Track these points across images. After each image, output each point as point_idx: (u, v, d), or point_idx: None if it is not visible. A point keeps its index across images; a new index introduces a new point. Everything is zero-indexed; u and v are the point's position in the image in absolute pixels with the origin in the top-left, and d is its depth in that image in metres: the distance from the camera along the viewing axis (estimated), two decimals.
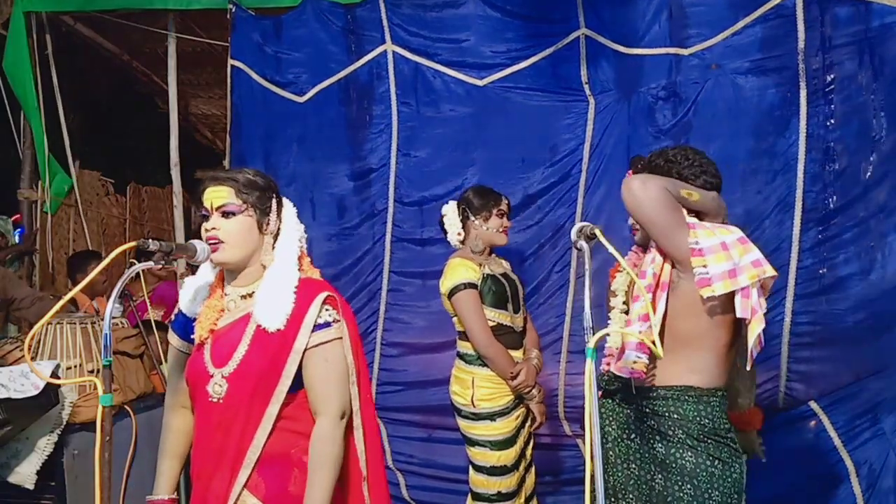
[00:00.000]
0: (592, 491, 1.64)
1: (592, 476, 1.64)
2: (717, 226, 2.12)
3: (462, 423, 3.00)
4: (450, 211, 3.13)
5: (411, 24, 3.76)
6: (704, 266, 1.99)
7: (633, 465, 2.13)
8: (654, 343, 1.84)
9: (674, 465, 2.02)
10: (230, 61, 4.02)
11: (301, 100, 3.91)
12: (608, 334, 2.73)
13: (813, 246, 3.21)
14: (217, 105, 6.55)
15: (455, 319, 3.03)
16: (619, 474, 2.15)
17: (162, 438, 2.02)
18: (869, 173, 3.13)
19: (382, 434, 3.64)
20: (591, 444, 1.63)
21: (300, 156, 3.90)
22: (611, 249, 1.83)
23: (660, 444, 2.05)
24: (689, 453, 2.00)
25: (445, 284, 2.98)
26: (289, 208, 1.95)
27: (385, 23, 3.78)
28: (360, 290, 3.78)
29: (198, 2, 4.16)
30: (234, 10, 3.99)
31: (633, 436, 2.15)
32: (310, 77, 3.91)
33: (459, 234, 3.09)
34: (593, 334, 1.76)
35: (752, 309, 1.99)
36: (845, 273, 3.16)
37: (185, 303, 1.99)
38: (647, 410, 2.10)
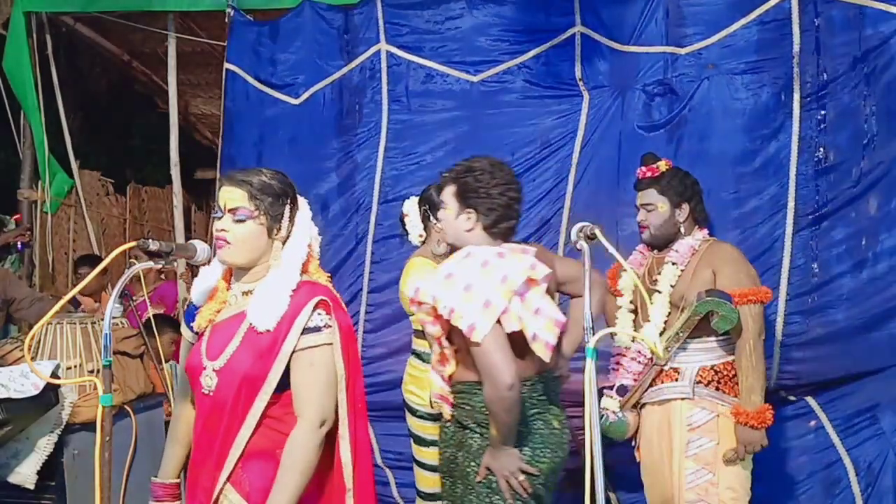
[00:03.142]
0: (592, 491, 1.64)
1: (592, 476, 1.65)
2: (460, 260, 2.17)
3: (416, 423, 2.96)
4: (411, 210, 3.03)
5: (407, 21, 3.76)
6: (462, 318, 2.05)
7: (452, 448, 2.29)
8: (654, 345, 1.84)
9: (465, 445, 2.22)
10: (226, 65, 4.01)
11: (296, 102, 3.91)
12: (614, 334, 2.77)
13: (805, 245, 3.21)
14: (217, 105, 6.51)
15: (413, 318, 2.91)
16: (444, 455, 2.33)
17: (171, 425, 2.07)
18: (860, 176, 3.14)
19: (371, 433, 3.63)
20: (592, 444, 1.63)
21: (291, 157, 3.86)
22: (611, 250, 1.83)
23: (458, 430, 2.26)
24: (477, 437, 2.20)
25: (407, 283, 2.89)
26: (304, 210, 1.94)
27: (381, 22, 3.77)
28: (341, 290, 3.74)
29: (197, 3, 4.16)
30: (232, 14, 3.99)
31: (452, 423, 2.33)
32: (305, 79, 3.90)
33: (421, 235, 3.01)
34: (593, 334, 1.77)
35: (518, 318, 2.08)
36: (837, 272, 3.15)
37: (196, 293, 1.99)
38: (454, 402, 2.29)
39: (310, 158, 3.86)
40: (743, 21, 3.32)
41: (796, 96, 3.24)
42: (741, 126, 3.32)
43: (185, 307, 2.06)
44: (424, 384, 2.90)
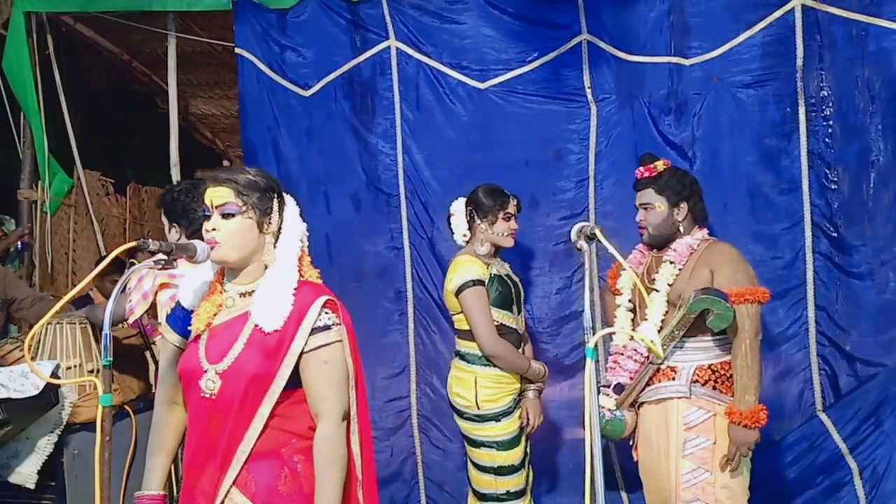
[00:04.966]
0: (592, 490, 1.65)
1: (592, 475, 1.65)
2: None
3: (465, 425, 2.97)
4: (457, 211, 3.11)
5: (413, 23, 3.75)
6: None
7: None
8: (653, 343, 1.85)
9: None
10: (236, 50, 3.97)
11: (306, 94, 3.88)
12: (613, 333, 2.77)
13: (826, 259, 3.24)
14: (217, 105, 6.56)
15: (458, 317, 3.01)
16: None
17: (151, 433, 2.00)
18: (871, 191, 3.16)
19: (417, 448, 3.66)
20: (591, 444, 1.64)
21: (310, 149, 3.87)
22: (611, 250, 1.84)
23: None
24: None
25: (453, 281, 2.95)
26: (291, 206, 1.95)
27: (388, 20, 3.76)
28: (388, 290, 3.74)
29: (197, 3, 4.15)
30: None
31: None
32: (314, 71, 3.87)
33: (465, 235, 3.07)
34: (594, 334, 1.77)
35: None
36: (859, 287, 3.18)
37: (186, 295, 1.98)
38: None
39: (330, 152, 3.84)
40: (747, 33, 3.32)
41: (801, 111, 3.26)
42: (752, 138, 3.33)
43: (171, 310, 2.03)
44: (469, 385, 2.93)
